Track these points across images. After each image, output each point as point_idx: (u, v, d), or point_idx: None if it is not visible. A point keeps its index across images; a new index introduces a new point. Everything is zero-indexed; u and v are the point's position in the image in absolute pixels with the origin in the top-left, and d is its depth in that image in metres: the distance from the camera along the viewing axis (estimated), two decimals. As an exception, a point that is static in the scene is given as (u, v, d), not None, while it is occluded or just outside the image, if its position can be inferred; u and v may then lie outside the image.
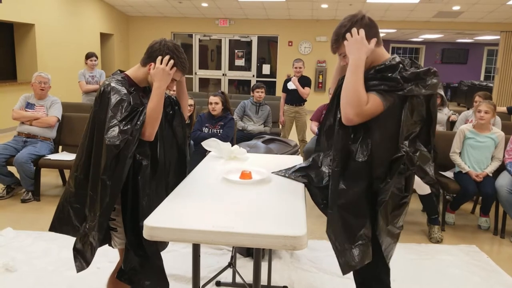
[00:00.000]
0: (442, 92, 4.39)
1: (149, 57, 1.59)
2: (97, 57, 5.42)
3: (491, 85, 11.09)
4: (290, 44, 10.48)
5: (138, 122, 1.47)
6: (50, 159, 3.69)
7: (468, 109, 7.18)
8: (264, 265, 2.65)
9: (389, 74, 1.36)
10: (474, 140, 3.33)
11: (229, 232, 1.23)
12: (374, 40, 1.41)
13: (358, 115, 1.35)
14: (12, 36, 6.99)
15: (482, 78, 14.69)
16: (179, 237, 1.24)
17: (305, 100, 5.25)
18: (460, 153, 3.41)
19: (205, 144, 2.16)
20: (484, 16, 9.05)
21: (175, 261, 2.67)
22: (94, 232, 1.48)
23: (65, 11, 7.73)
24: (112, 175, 1.43)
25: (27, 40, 6.96)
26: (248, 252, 2.78)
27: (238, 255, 2.78)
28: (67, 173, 4.37)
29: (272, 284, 2.40)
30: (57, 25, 7.50)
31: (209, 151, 2.24)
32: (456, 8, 8.48)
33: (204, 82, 11.24)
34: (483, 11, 8.69)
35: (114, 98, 1.48)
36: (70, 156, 3.78)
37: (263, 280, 2.39)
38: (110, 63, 9.85)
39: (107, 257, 2.71)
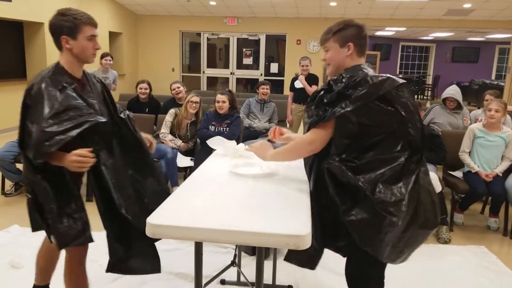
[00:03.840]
0: (458, 97, 4.22)
1: (56, 38, 1.55)
2: (112, 58, 5.38)
3: (502, 84, 10.91)
4: (298, 42, 10.42)
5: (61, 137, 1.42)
6: (58, 156, 3.72)
7: (478, 108, 7.05)
8: (269, 264, 2.63)
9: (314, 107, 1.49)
10: (484, 139, 3.28)
11: (232, 230, 1.22)
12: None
13: (310, 152, 1.52)
14: (21, 35, 7.06)
15: (493, 77, 14.45)
16: (182, 235, 1.24)
17: None
18: (469, 152, 3.35)
19: (210, 142, 2.16)
20: (496, 14, 8.90)
21: (180, 260, 2.67)
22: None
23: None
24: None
25: (36, 38, 7.02)
26: (253, 250, 2.77)
27: (243, 253, 2.77)
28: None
29: (277, 283, 2.39)
30: (66, 24, 7.57)
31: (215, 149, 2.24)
32: (467, 5, 8.35)
33: (212, 81, 11.24)
34: (494, 9, 8.54)
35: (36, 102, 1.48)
36: (77, 154, 3.81)
37: (268, 279, 2.38)
38: (119, 62, 9.89)
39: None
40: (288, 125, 5.42)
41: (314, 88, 5.08)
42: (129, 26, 10.18)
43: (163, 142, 3.79)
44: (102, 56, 5.30)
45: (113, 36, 9.53)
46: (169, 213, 1.31)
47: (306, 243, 1.20)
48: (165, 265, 2.58)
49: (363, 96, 1.38)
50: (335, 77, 1.48)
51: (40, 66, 6.94)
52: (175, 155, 3.60)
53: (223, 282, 2.35)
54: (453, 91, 3.88)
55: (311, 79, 5.13)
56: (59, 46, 1.56)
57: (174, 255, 2.73)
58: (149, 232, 1.23)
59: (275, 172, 1.75)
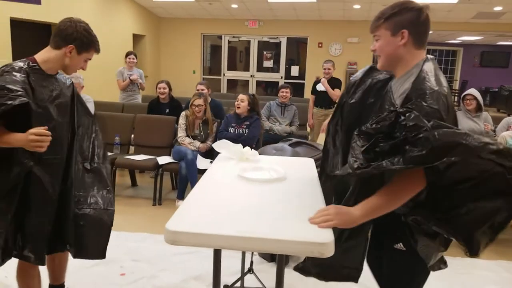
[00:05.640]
0: (477, 95, 4.08)
1: (64, 40, 1.61)
2: (135, 56, 5.44)
3: (534, 90, 10.48)
4: (320, 45, 10.32)
5: None
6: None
7: (508, 115, 6.77)
8: (289, 272, 2.56)
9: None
10: (518, 148, 3.11)
11: (254, 237, 1.18)
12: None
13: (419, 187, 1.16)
14: (50, 36, 7.24)
15: (524, 82, 13.93)
16: (202, 242, 1.19)
17: (335, 103, 5.12)
18: (501, 161, 3.19)
19: (216, 145, 2.15)
20: (528, 17, 8.56)
21: (198, 262, 2.64)
22: None
23: (100, 12, 7.95)
24: None
25: (63, 40, 7.19)
26: (272, 257, 2.71)
27: (261, 260, 2.71)
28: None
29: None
30: (92, 26, 7.68)
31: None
32: (497, 8, 8.05)
33: (232, 84, 11.27)
34: (527, 12, 8.21)
35: None
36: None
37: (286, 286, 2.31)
38: (142, 64, 10.02)
39: (131, 255, 2.73)
40: (308, 129, 5.34)
41: (337, 91, 4.98)
42: (152, 29, 10.33)
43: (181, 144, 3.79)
44: (127, 55, 5.37)
45: (136, 38, 9.68)
46: (186, 219, 1.26)
47: (331, 251, 1.16)
48: (181, 268, 2.57)
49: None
50: (403, 109, 1.14)
51: (66, 67, 7.07)
52: (195, 156, 3.59)
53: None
54: (472, 89, 3.91)
55: (334, 82, 5.03)
56: (58, 47, 1.61)
57: (192, 258, 2.70)
58: (168, 239, 1.19)
59: (284, 176, 1.72)
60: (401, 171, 1.13)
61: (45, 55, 1.63)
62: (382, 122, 1.16)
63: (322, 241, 1.16)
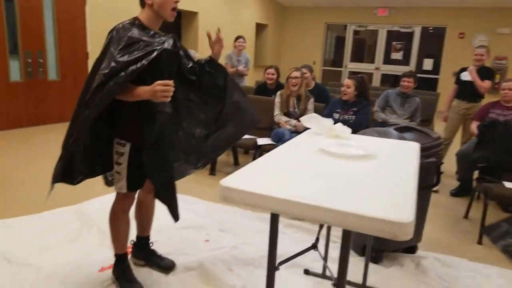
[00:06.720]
0: None
1: None
2: (244, 40, 5.54)
3: None
4: (461, 36, 9.02)
5: (133, 68, 1.54)
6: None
7: None
8: (379, 270, 2.27)
9: None
10: None
11: (310, 205, 1.01)
12: None
13: None
14: (179, 22, 7.96)
15: None
16: (253, 201, 1.10)
17: (482, 97, 4.26)
18: None
19: (304, 119, 2.01)
20: None
21: (281, 243, 2.51)
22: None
23: (225, 1, 8.39)
24: (90, 103, 1.53)
25: (191, 26, 7.82)
26: (363, 250, 2.42)
27: (351, 252, 2.45)
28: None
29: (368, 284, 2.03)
30: (217, 14, 8.22)
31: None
32: None
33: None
34: None
35: (117, 36, 1.61)
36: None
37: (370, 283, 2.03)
38: (263, 53, 10.31)
39: (219, 225, 2.76)
40: (435, 122, 4.59)
41: (487, 83, 4.12)
42: (275, 18, 10.50)
43: (280, 126, 3.74)
44: (236, 39, 5.47)
45: (259, 28, 9.96)
46: (245, 178, 1.19)
47: (407, 233, 0.92)
48: (263, 244, 2.47)
49: None
50: None
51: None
52: (292, 138, 3.48)
53: (306, 272, 2.12)
54: None
55: (485, 72, 4.16)
56: (143, 4, 1.72)
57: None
58: (220, 194, 1.14)
59: (374, 155, 1.49)
60: None
61: (141, 16, 1.75)
62: None
63: (398, 220, 0.92)
